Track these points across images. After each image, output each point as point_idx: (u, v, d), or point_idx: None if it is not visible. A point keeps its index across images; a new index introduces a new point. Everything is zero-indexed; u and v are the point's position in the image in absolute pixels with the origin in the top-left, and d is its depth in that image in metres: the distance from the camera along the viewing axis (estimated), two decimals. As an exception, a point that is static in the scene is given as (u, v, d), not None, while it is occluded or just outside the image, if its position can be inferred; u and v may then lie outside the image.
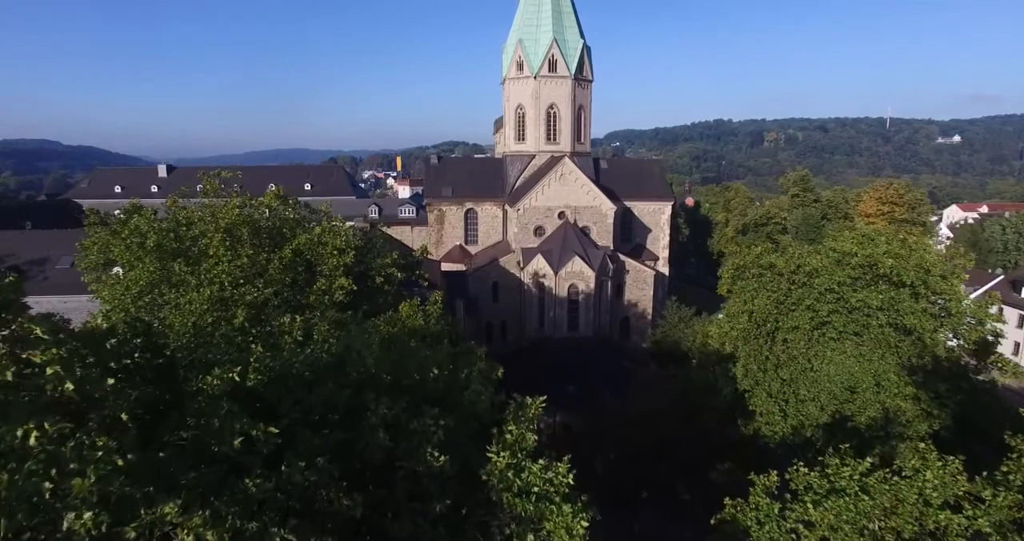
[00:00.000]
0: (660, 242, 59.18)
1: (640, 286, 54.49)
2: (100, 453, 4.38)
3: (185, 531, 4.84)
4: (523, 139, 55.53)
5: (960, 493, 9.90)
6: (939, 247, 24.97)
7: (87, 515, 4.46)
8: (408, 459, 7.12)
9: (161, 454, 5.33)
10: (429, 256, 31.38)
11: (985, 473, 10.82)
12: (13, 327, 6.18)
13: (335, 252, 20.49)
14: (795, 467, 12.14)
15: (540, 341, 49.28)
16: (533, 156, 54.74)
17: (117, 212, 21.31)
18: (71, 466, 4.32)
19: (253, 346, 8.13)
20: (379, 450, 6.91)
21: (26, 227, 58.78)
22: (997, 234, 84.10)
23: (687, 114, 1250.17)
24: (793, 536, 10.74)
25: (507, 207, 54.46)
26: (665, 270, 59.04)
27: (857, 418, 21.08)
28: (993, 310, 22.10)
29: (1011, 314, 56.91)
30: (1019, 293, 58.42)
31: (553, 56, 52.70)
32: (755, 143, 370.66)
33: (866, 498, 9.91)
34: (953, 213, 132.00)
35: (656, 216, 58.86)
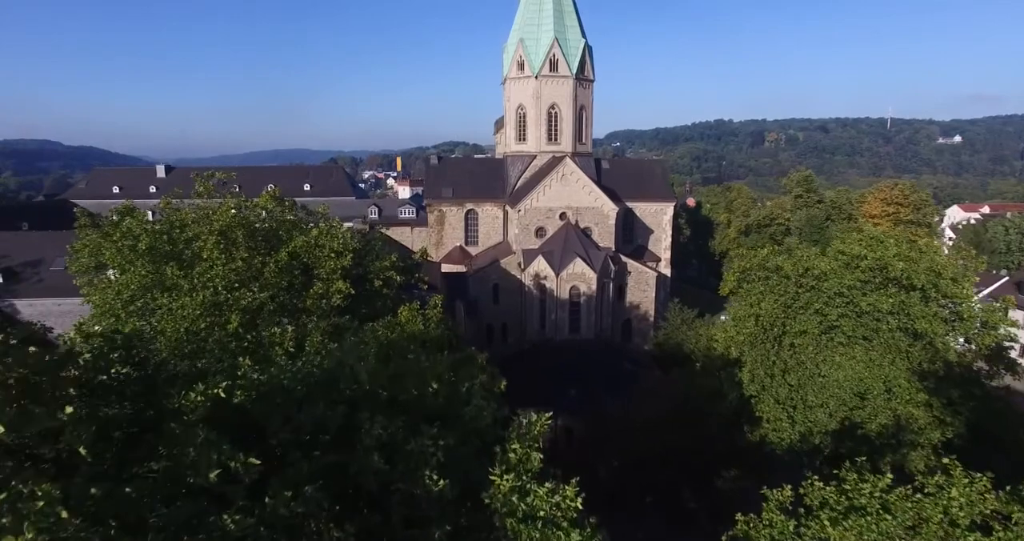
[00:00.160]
0: (662, 243, 58.66)
1: (642, 288, 53.98)
2: (41, 503, 3.88)
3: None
4: (524, 139, 55.02)
5: (988, 512, 9.39)
6: (943, 249, 24.60)
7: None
8: (405, 481, 6.64)
9: (128, 489, 4.84)
10: (429, 258, 30.90)
11: (1009, 488, 10.34)
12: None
13: (332, 255, 20.01)
14: (809, 481, 11.63)
15: (541, 343, 48.76)
16: (534, 156, 54.23)
17: (109, 213, 20.77)
18: (2, 521, 3.81)
19: (241, 360, 7.64)
20: (374, 474, 6.43)
21: (23, 228, 58.41)
22: (1000, 235, 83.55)
23: (687, 114, 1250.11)
24: (809, 555, 10.26)
25: (508, 208, 53.94)
26: (667, 271, 58.54)
27: (867, 425, 20.58)
28: (1015, 315, 21.54)
29: (1016, 316, 56.37)
30: (1024, 294, 57.87)
31: (554, 56, 52.20)
32: (756, 143, 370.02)
33: (888, 517, 9.41)
34: (955, 214, 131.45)
35: (658, 217, 58.34)
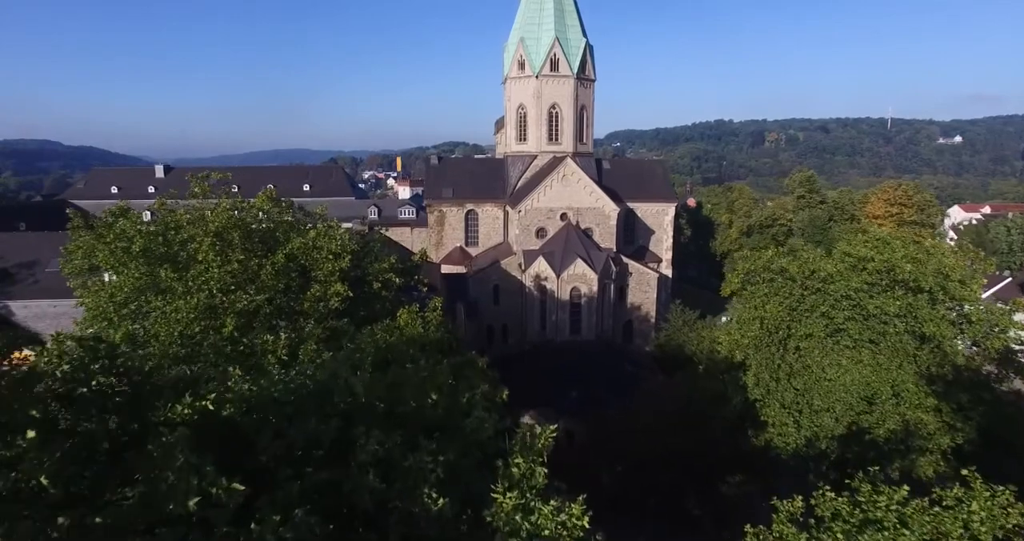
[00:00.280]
0: (663, 244, 58.31)
1: (643, 289, 53.64)
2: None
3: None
4: (525, 139, 54.68)
5: (1010, 527, 9.02)
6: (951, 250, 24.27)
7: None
8: (402, 499, 6.29)
9: (99, 519, 4.50)
10: (428, 260, 30.53)
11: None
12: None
13: (330, 257, 19.66)
14: (820, 491, 11.26)
15: (542, 345, 48.42)
16: (535, 157, 53.89)
17: (104, 213, 20.40)
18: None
19: (231, 369, 7.29)
20: (369, 493, 6.08)
21: (20, 228, 58.09)
22: (1002, 235, 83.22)
23: (688, 114, 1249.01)
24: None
25: (508, 208, 53.60)
26: (668, 272, 58.19)
27: (875, 431, 20.23)
28: (1018, 317, 21.20)
29: (1020, 318, 55.92)
30: (1028, 296, 57.44)
31: (555, 55, 51.88)
32: (756, 143, 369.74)
33: (906, 532, 9.05)
34: (956, 214, 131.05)
35: (659, 217, 57.99)
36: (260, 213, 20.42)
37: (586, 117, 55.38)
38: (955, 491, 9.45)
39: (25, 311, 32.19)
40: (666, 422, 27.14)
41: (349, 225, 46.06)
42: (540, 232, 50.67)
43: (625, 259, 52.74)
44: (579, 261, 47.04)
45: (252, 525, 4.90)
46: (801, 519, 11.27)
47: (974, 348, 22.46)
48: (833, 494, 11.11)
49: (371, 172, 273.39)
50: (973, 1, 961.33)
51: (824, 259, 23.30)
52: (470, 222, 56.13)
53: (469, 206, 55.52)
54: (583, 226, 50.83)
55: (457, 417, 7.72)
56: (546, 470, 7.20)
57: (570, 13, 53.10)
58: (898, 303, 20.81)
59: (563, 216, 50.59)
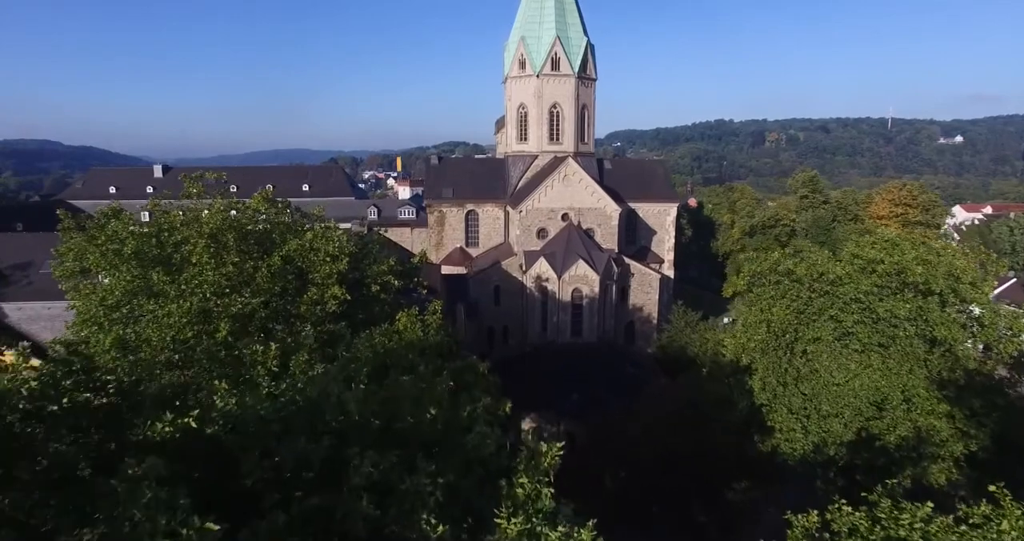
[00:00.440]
0: (665, 244, 57.82)
1: (645, 290, 53.16)
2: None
3: None
4: (525, 139, 54.23)
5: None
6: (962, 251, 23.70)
7: None
8: (399, 525, 5.84)
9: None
10: (428, 261, 30.06)
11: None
12: None
13: (328, 259, 19.17)
14: (836, 505, 10.78)
15: (543, 346, 47.97)
16: (536, 156, 53.44)
17: (97, 213, 19.93)
18: None
19: (217, 383, 6.84)
20: (363, 519, 5.63)
21: (17, 229, 57.62)
22: (1005, 235, 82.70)
23: (688, 114, 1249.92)
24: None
25: (509, 209, 53.14)
26: (670, 273, 57.71)
27: (886, 437, 19.76)
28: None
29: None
30: (1033, 296, 56.91)
31: (556, 54, 51.43)
32: (756, 143, 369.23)
33: (931, 552, 8.58)
34: (957, 214, 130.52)
35: (661, 218, 57.51)
36: (256, 214, 19.93)
37: (587, 117, 54.92)
38: (982, 508, 8.97)
39: (19, 313, 31.71)
40: (670, 426, 26.69)
41: (348, 225, 45.63)
42: (541, 233, 50.20)
43: (627, 260, 52.27)
44: (581, 262, 46.57)
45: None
46: (816, 534, 10.82)
47: (986, 352, 22.00)
48: (850, 508, 10.64)
49: (371, 172, 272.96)
50: (973, 1, 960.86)
51: (831, 261, 22.85)
52: (470, 222, 55.68)
53: (469, 206, 55.07)
54: (584, 227, 50.37)
55: (457, 433, 7.26)
56: (553, 491, 6.75)
57: (571, 11, 52.64)
58: (908, 306, 20.35)
59: (564, 216, 50.12)
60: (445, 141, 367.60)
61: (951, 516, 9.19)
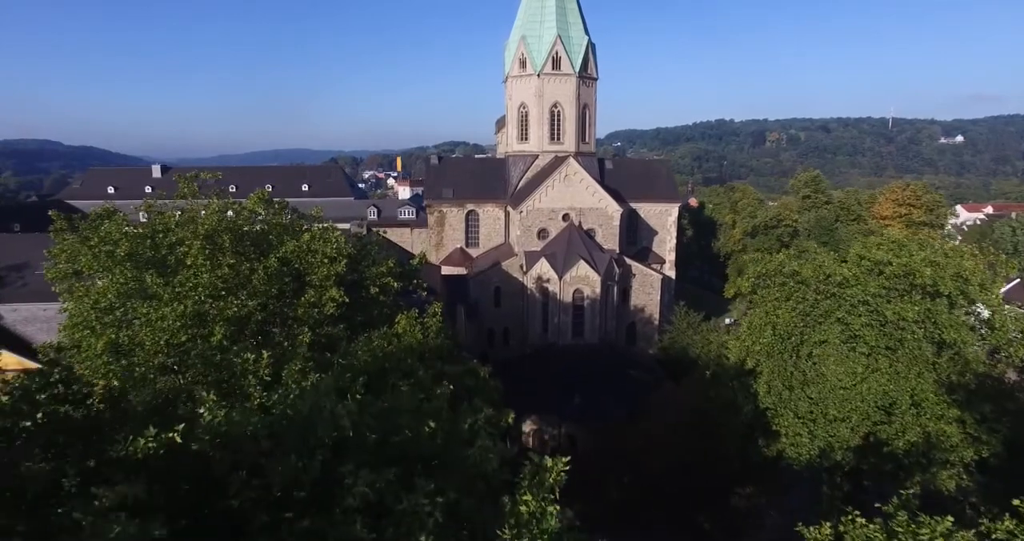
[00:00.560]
0: (666, 245, 57.46)
1: (647, 291, 52.80)
2: None
3: None
4: (526, 139, 53.87)
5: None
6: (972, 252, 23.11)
7: None
8: (396, 545, 5.49)
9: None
10: (428, 262, 29.69)
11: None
12: None
13: (326, 261, 18.80)
14: (850, 517, 10.41)
15: (544, 348, 47.61)
16: (536, 156, 53.09)
17: (91, 214, 19.59)
18: None
19: (205, 394, 6.48)
20: (357, 544, 5.28)
21: (15, 229, 57.24)
22: (1007, 235, 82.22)
23: (688, 114, 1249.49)
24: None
25: (509, 209, 52.78)
26: (672, 274, 57.34)
27: (894, 442, 19.38)
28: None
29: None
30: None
31: (557, 53, 51.07)
32: (757, 143, 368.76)
33: (953, 570, 8.21)
34: (959, 214, 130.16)
35: (662, 218, 57.16)
36: (253, 215, 19.57)
37: (588, 116, 54.56)
38: (1006, 523, 8.60)
39: (14, 315, 31.36)
40: (674, 430, 26.35)
41: (347, 226, 45.26)
42: (542, 233, 49.84)
43: (628, 260, 51.92)
44: (582, 263, 46.20)
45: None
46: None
47: (994, 355, 21.62)
48: (863, 520, 10.28)
49: (371, 172, 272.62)
50: (974, 1, 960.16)
51: (837, 263, 22.46)
52: (471, 223, 55.34)
53: (470, 206, 54.72)
54: (586, 227, 50.00)
55: (458, 447, 6.91)
56: (558, 508, 6.39)
57: (572, 10, 52.29)
58: (916, 308, 19.98)
59: (565, 217, 49.75)
60: (445, 141, 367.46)
61: (972, 531, 8.81)
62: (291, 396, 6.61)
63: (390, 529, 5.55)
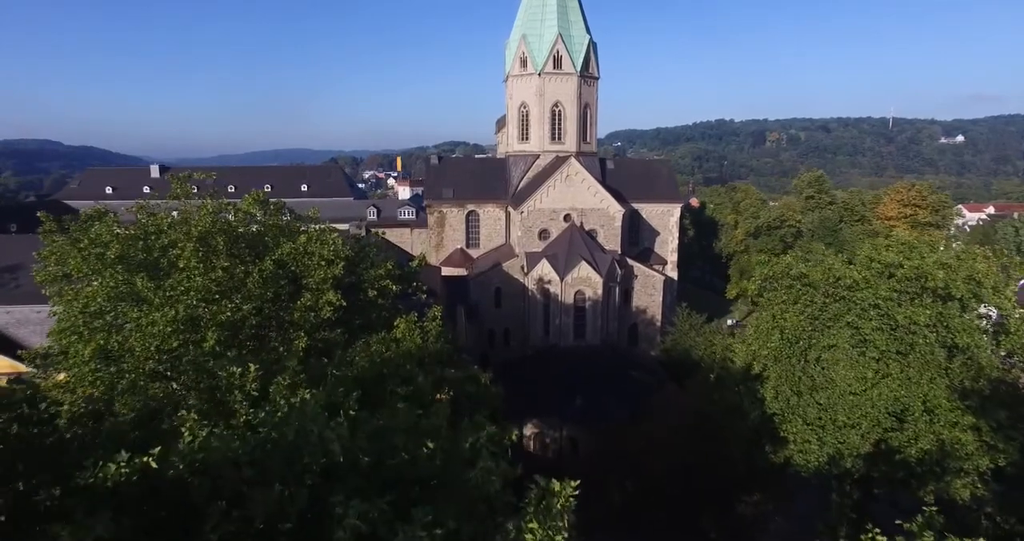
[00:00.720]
0: (669, 245, 56.98)
1: (649, 292, 52.29)
2: None
3: None
4: (527, 139, 53.40)
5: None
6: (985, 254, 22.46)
7: None
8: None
9: None
10: (428, 264, 29.17)
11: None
12: None
13: (323, 263, 18.30)
14: (871, 536, 9.89)
15: (545, 350, 47.11)
16: (537, 156, 52.61)
17: (82, 214, 19.09)
18: None
19: (184, 413, 5.99)
20: (348, 583, 4.79)
21: (11, 230, 56.76)
22: (1010, 236, 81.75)
23: (688, 114, 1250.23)
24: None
25: (510, 209, 52.31)
26: (674, 275, 56.86)
27: (906, 450, 18.87)
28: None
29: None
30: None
31: (558, 52, 50.60)
32: (757, 143, 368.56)
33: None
34: (964, 215, 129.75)
35: (664, 218, 56.69)
36: (247, 216, 19.06)
37: (589, 116, 54.08)
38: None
39: (7, 317, 30.87)
40: (676, 432, 25.85)
41: (346, 227, 44.74)
42: (543, 234, 49.34)
43: (630, 261, 51.42)
44: (583, 264, 45.70)
45: None
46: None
47: (1009, 359, 21.11)
48: (884, 538, 9.77)
49: (371, 172, 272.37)
50: (973, 1, 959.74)
51: (845, 265, 21.95)
52: (471, 223, 54.86)
53: (470, 207, 54.24)
54: (587, 227, 49.50)
55: (458, 468, 6.42)
56: (566, 536, 5.90)
57: (573, 9, 51.83)
58: (928, 312, 19.48)
59: (567, 217, 49.25)
60: (445, 141, 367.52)
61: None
62: (279, 413, 6.12)
63: (384, 564, 5.07)
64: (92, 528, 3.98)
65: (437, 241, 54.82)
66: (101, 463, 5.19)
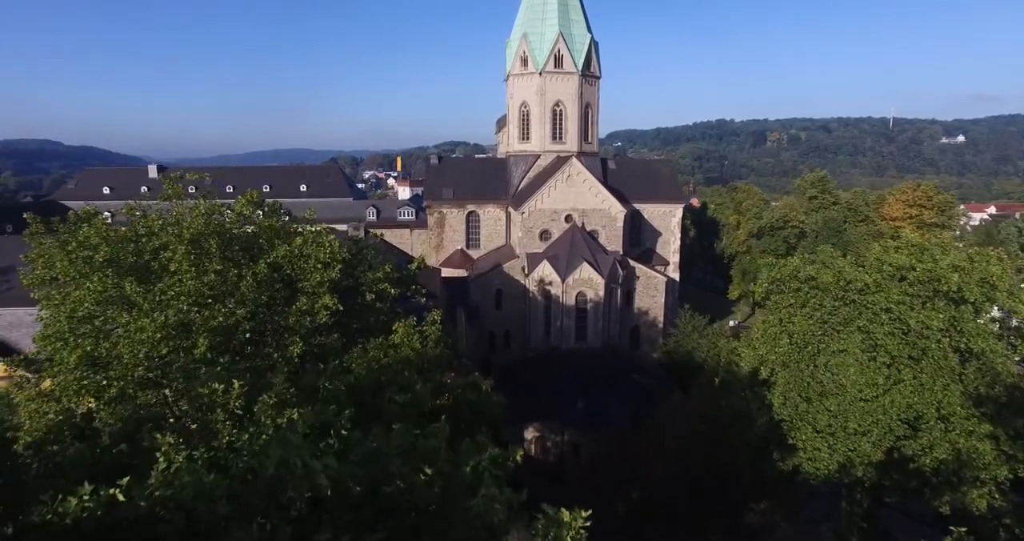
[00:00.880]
0: (671, 246, 56.47)
1: (651, 293, 51.75)
2: None
3: None
4: (527, 138, 52.88)
5: None
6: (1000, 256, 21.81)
7: None
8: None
9: None
10: (427, 266, 28.63)
11: None
12: None
13: (319, 266, 17.77)
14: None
15: (546, 352, 46.58)
16: (538, 156, 52.10)
17: (70, 216, 18.55)
18: None
19: (160, 436, 5.46)
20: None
21: (7, 231, 56.20)
22: (1014, 236, 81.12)
23: (689, 114, 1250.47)
24: None
25: (511, 210, 51.78)
26: (676, 276, 56.32)
27: (921, 459, 18.32)
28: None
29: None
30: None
31: (559, 51, 50.09)
32: (757, 143, 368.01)
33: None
34: (971, 215, 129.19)
35: (666, 219, 56.18)
36: (241, 218, 18.52)
37: (591, 115, 53.57)
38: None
39: (-1, 319, 30.40)
40: (683, 441, 25.32)
41: (345, 227, 44.17)
42: (544, 234, 48.79)
43: (632, 262, 50.88)
44: (585, 265, 45.15)
45: None
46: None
47: (1022, 364, 20.58)
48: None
49: (371, 172, 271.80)
50: (973, 1, 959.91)
51: (855, 268, 21.39)
52: (471, 224, 54.34)
53: (470, 207, 53.72)
54: (588, 228, 48.95)
55: (459, 496, 5.89)
56: (578, 572, 5.38)
57: (574, 7, 51.32)
58: (941, 316, 18.93)
59: (568, 218, 48.70)
60: (445, 141, 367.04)
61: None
62: (263, 436, 5.58)
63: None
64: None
65: (437, 242, 54.30)
66: (60, 496, 4.66)
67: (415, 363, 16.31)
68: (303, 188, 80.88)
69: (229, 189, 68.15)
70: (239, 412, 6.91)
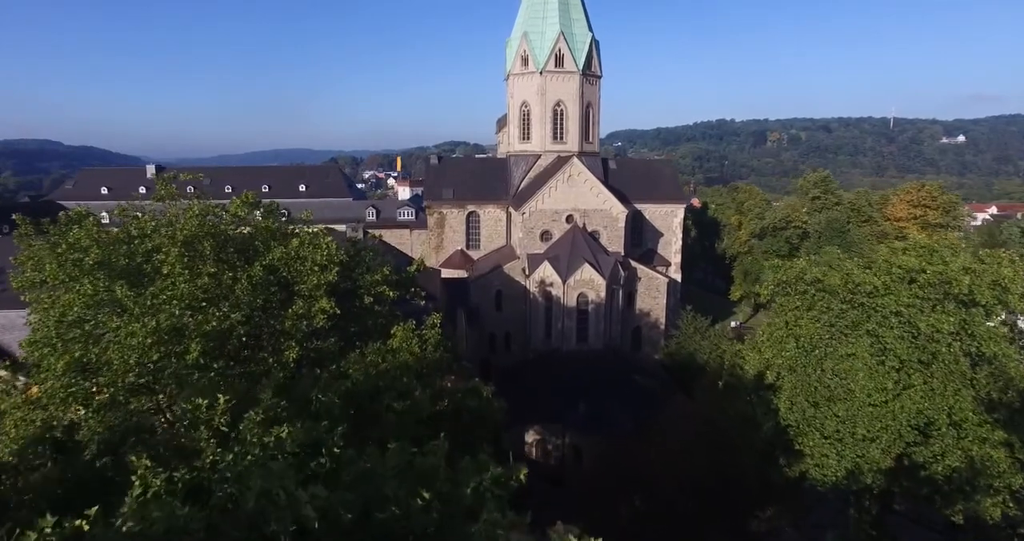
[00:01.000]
0: (672, 247, 56.06)
1: (652, 294, 51.33)
2: None
3: None
4: (528, 138, 52.47)
5: None
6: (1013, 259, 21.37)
7: None
8: None
9: None
10: (427, 267, 28.22)
11: None
12: None
13: (316, 269, 17.36)
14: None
15: (547, 353, 46.15)
16: (539, 156, 51.69)
17: (60, 218, 18.14)
18: None
19: (135, 459, 5.06)
20: None
21: (4, 231, 55.79)
22: (1015, 236, 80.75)
23: (689, 114, 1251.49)
24: None
25: (511, 210, 51.37)
26: (677, 276, 55.93)
27: (932, 466, 17.90)
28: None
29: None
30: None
31: (560, 50, 49.67)
32: (758, 143, 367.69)
33: None
34: (976, 216, 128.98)
35: (668, 219, 55.78)
36: (236, 219, 18.11)
37: (592, 115, 53.16)
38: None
39: (-7, 322, 29.95)
40: (687, 444, 24.91)
41: (344, 228, 43.76)
42: (545, 235, 48.38)
43: (633, 263, 50.46)
44: (586, 266, 44.74)
45: None
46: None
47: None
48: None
49: (371, 172, 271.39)
50: (973, 1, 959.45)
51: (863, 270, 20.96)
52: (471, 224, 53.93)
53: (470, 207, 53.31)
54: (590, 229, 48.54)
55: (459, 521, 5.48)
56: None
57: (575, 6, 50.92)
58: (952, 319, 18.51)
59: (569, 218, 48.28)
60: (445, 141, 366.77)
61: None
62: (248, 457, 5.17)
63: None
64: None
65: (437, 242, 53.89)
66: (18, 531, 4.25)
67: (414, 368, 15.88)
68: (302, 188, 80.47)
69: (228, 189, 67.71)
70: (224, 429, 6.51)
